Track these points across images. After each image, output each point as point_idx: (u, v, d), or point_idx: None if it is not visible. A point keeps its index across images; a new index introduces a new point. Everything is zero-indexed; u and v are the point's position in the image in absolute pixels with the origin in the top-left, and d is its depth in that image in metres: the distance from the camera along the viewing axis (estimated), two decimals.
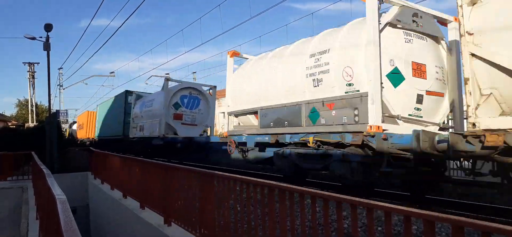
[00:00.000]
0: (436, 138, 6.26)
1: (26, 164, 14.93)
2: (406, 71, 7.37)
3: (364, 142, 7.24)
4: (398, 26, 7.51)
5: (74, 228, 2.37)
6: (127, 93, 23.22)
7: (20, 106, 56.23)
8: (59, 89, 44.78)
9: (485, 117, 5.38)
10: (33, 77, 42.81)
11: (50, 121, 19.21)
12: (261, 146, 10.59)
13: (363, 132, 7.20)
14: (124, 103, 23.07)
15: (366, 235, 4.14)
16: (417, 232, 4.49)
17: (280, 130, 9.53)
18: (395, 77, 7.33)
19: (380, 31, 7.28)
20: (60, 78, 44.69)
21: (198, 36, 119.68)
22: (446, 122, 8.35)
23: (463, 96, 6.80)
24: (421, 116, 7.63)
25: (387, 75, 7.25)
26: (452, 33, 8.25)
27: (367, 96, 7.17)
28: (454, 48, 8.08)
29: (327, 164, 8.19)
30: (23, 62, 46.17)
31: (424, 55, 7.65)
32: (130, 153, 17.21)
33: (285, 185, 4.11)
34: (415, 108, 7.52)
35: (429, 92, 7.65)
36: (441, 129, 7.82)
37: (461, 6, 5.69)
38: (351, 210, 3.22)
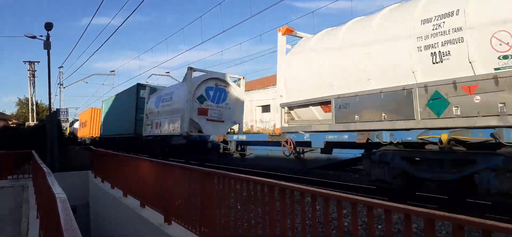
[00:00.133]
0: None
1: (27, 162, 14.97)
2: None
3: None
4: None
5: (74, 227, 2.37)
6: (139, 86, 20.31)
7: (20, 105, 56.43)
8: (60, 88, 44.68)
9: None
10: (34, 76, 42.92)
11: (51, 119, 19.22)
12: (332, 147, 8.54)
13: None
14: (136, 98, 20.15)
15: (366, 233, 4.15)
16: (418, 230, 4.49)
17: (374, 126, 7.09)
18: None
19: None
20: (61, 77, 44.53)
21: (199, 34, 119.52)
22: None
23: None
24: None
25: None
26: None
27: None
28: None
29: (467, 173, 5.84)
30: (23, 61, 46.50)
31: None
32: (145, 154, 16.14)
33: (285, 183, 4.11)
34: None
35: None
36: None
37: None
38: (352, 208, 3.23)
